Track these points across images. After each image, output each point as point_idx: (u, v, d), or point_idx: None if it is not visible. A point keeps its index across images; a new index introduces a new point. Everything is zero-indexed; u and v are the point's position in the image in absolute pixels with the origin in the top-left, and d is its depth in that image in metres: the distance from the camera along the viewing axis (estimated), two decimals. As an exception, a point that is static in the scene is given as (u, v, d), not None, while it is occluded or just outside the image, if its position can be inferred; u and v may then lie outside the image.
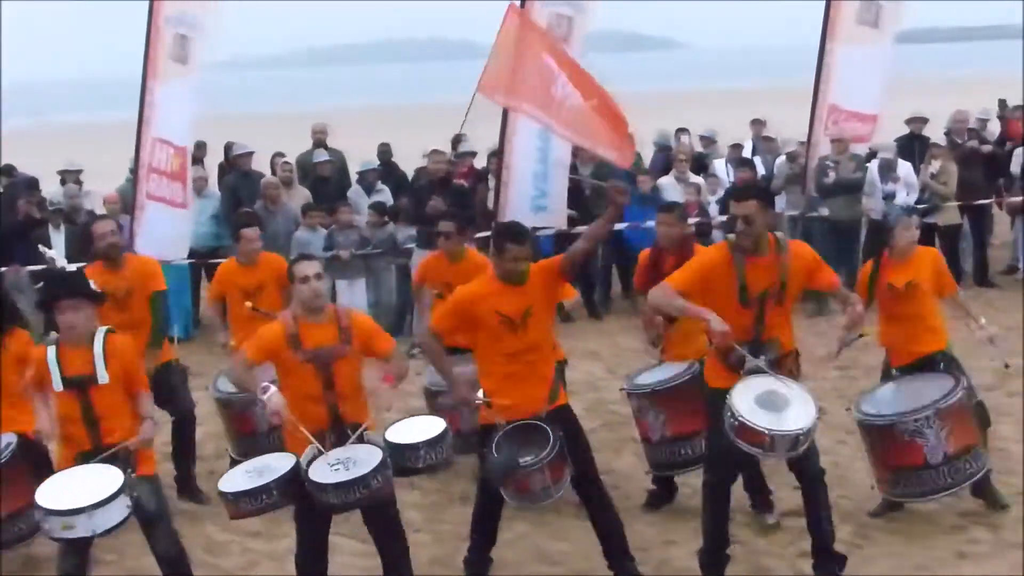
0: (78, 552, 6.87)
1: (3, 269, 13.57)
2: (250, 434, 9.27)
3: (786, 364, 7.05)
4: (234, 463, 8.51)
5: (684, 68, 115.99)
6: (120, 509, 6.61)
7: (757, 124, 17.63)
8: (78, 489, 6.58)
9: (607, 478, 9.01)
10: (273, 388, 6.75)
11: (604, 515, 7.36)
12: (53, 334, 7.12)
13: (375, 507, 6.81)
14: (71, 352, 6.89)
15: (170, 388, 9.04)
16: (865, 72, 14.75)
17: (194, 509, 9.05)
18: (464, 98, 11.12)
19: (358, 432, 6.85)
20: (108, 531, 6.63)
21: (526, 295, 7.07)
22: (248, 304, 9.46)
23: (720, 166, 16.24)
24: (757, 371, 6.88)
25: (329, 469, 6.62)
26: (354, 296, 14.03)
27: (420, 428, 7.22)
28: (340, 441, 6.80)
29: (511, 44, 11.70)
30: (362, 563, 7.45)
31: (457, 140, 15.81)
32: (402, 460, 6.94)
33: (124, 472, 6.70)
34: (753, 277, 6.90)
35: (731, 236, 7.04)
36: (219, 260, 14.53)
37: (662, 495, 8.74)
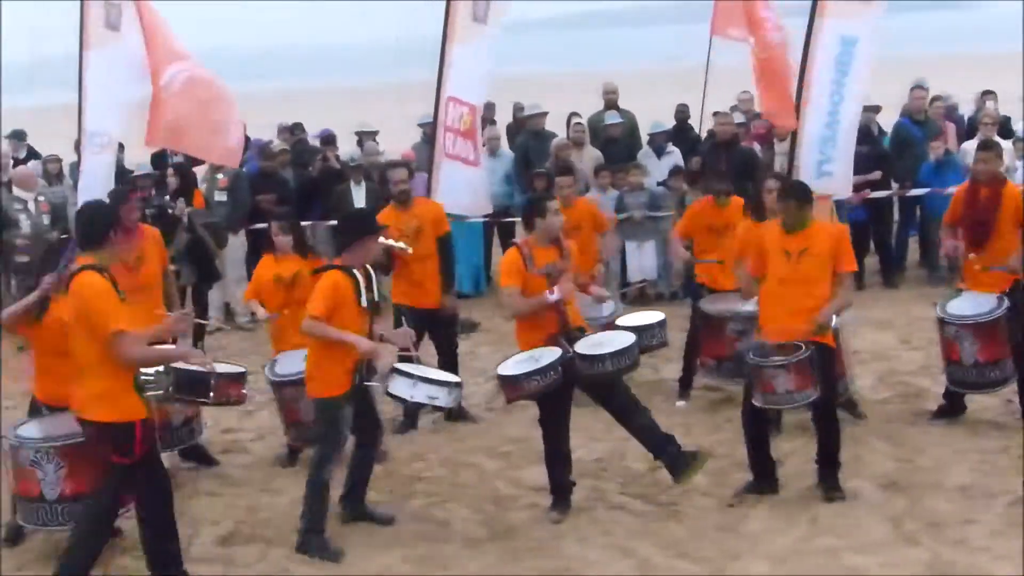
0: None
1: (307, 223, 14.11)
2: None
3: None
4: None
5: (982, 30, 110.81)
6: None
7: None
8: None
9: (900, 452, 8.87)
10: (557, 290, 8.07)
11: (829, 435, 8.18)
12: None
13: (614, 387, 8.13)
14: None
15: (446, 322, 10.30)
16: None
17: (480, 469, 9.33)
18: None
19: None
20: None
21: (803, 240, 8.11)
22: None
23: (1026, 130, 15.39)
24: None
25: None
26: (643, 258, 14.02)
27: (640, 319, 9.45)
28: (570, 340, 8.00)
29: None
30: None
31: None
32: (641, 340, 8.63)
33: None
34: None
35: None
36: (511, 219, 14.82)
37: (952, 409, 9.55)
